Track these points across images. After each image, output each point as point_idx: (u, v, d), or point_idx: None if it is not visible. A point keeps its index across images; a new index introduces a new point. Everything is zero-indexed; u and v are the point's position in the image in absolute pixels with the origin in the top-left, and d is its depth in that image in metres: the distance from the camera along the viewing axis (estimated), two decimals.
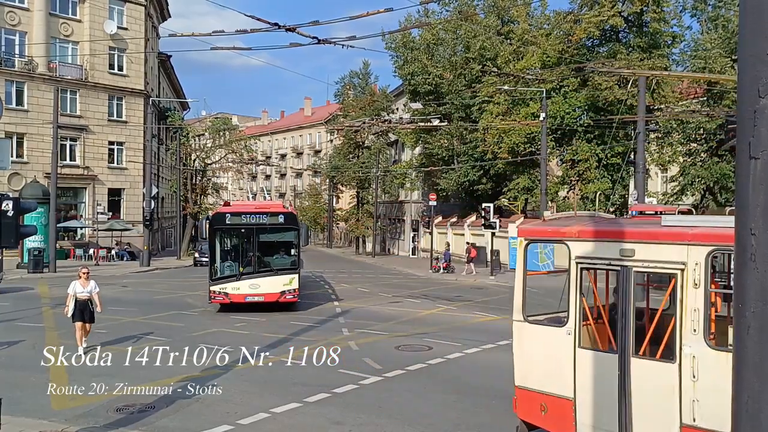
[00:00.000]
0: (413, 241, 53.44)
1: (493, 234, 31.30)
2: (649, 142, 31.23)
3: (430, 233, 41.41)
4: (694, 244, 5.98)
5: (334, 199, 70.34)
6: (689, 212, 7.62)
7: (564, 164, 37.02)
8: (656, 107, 31.13)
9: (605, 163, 34.15)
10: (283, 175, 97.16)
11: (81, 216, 41.69)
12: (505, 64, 36.54)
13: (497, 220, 31.34)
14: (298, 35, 11.52)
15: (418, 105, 41.32)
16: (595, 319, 7.39)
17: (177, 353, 13.17)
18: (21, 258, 32.54)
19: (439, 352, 13.17)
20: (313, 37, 11.82)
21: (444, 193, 44.04)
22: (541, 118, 31.60)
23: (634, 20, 33.91)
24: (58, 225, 34.15)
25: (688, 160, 34.79)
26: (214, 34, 12.03)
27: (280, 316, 17.97)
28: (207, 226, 19.25)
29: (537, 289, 8.72)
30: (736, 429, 2.70)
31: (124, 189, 43.75)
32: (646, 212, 7.95)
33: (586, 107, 34.35)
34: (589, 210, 35.18)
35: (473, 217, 41.39)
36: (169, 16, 56.11)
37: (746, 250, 2.62)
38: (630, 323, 6.44)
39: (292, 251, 19.90)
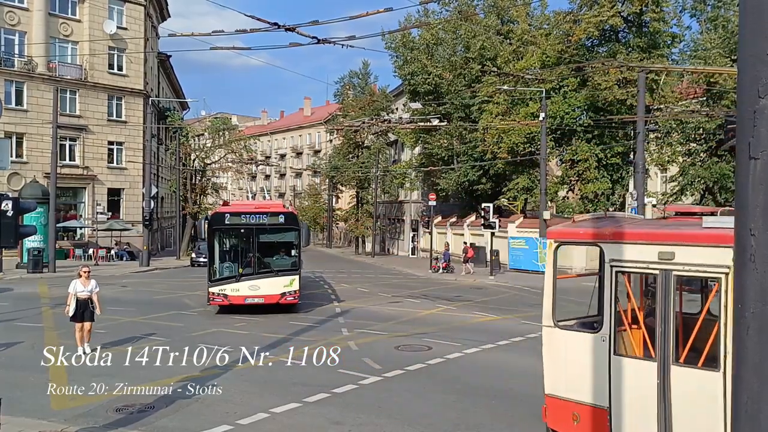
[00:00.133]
0: (413, 241, 53.45)
1: (492, 234, 31.31)
2: (648, 142, 31.24)
3: (430, 233, 41.40)
4: None
5: (334, 199, 70.35)
6: (730, 213, 7.34)
7: (563, 164, 37.03)
8: (656, 107, 31.12)
9: (605, 163, 34.18)
10: (282, 175, 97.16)
11: (80, 216, 41.68)
12: (504, 64, 36.55)
13: (497, 220, 31.36)
14: (298, 35, 11.52)
15: (417, 105, 41.32)
16: (630, 324, 7.05)
17: (176, 353, 13.16)
18: (20, 258, 32.54)
19: (438, 352, 13.17)
20: (313, 37, 11.82)
21: (443, 193, 44.04)
22: (540, 118, 31.61)
23: (634, 20, 33.92)
24: (57, 225, 34.13)
25: (688, 160, 34.80)
26: (213, 33, 12.04)
27: (280, 316, 17.97)
28: (206, 226, 18.96)
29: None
30: (736, 429, 2.70)
31: (123, 189, 43.74)
32: (684, 213, 7.63)
33: (585, 107, 34.37)
34: (589, 210, 35.13)
35: (473, 217, 41.40)
36: (169, 16, 56.12)
37: (746, 251, 2.62)
38: (670, 329, 6.20)
39: (293, 252, 19.60)
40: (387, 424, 8.66)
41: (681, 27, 35.62)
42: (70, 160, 40.73)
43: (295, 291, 18.56)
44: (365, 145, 58.54)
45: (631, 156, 27.25)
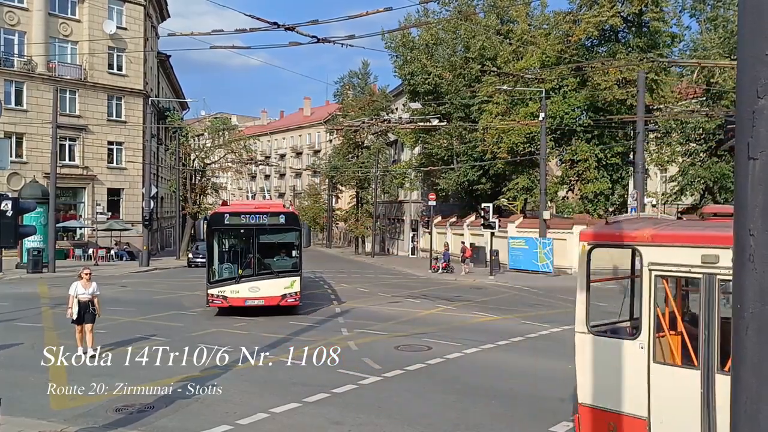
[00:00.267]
0: (412, 241, 53.45)
1: (492, 234, 31.29)
2: (648, 142, 31.26)
3: (430, 233, 41.39)
4: None
5: (334, 199, 70.35)
6: None
7: (563, 164, 37.04)
8: (655, 107, 31.14)
9: (605, 163, 34.18)
10: (282, 175, 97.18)
11: (80, 216, 41.68)
12: (504, 64, 36.55)
13: (496, 220, 31.34)
14: (298, 34, 11.52)
15: (417, 105, 41.33)
16: (670, 330, 6.77)
17: (176, 353, 13.17)
18: (20, 258, 32.55)
19: (438, 352, 13.17)
20: (313, 36, 11.81)
21: (443, 193, 44.03)
22: (540, 118, 31.62)
23: (634, 20, 33.92)
24: (57, 225, 34.13)
25: (688, 160, 34.82)
26: (213, 33, 12.03)
27: (280, 316, 17.94)
28: (205, 226, 18.62)
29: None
30: (734, 430, 2.70)
31: (123, 189, 43.74)
32: (722, 214, 7.21)
33: (585, 107, 34.37)
34: (588, 210, 35.05)
35: (472, 217, 41.40)
36: (168, 16, 56.12)
37: (745, 251, 2.62)
38: (715, 336, 5.92)
39: (294, 253, 19.26)
40: (387, 424, 8.66)
41: (681, 27, 35.66)
42: (69, 160, 40.73)
43: (296, 293, 18.23)
44: (365, 145, 58.54)
45: (631, 156, 27.25)
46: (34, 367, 11.81)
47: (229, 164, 52.93)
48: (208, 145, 53.19)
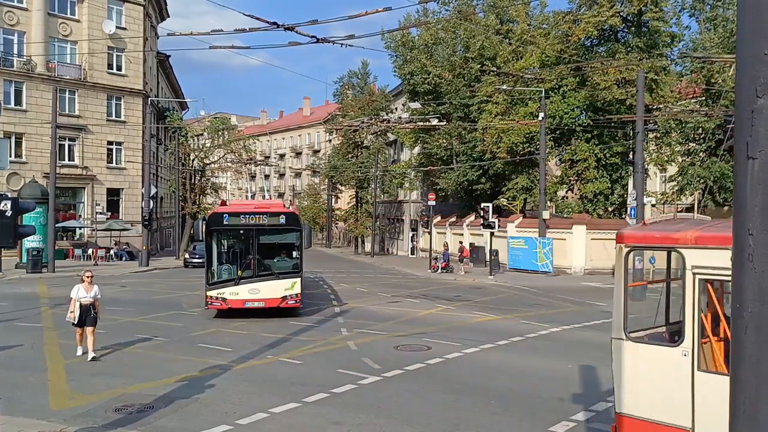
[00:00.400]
0: (412, 241, 53.46)
1: (491, 234, 31.30)
2: (647, 142, 31.26)
3: (429, 233, 41.40)
4: None
5: (333, 199, 70.36)
6: None
7: (563, 164, 37.05)
8: (655, 107, 31.15)
9: (604, 162, 34.20)
10: (281, 175, 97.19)
11: (80, 216, 41.67)
12: (504, 64, 36.56)
13: (496, 220, 31.34)
14: (297, 34, 11.51)
15: (417, 105, 41.32)
16: (714, 336, 6.48)
17: (176, 353, 13.19)
18: (20, 258, 32.55)
19: (437, 352, 13.17)
20: (312, 36, 11.81)
21: (443, 193, 44.04)
22: (539, 118, 31.63)
23: (633, 20, 33.93)
24: (56, 225, 34.11)
25: (687, 159, 34.82)
26: (212, 33, 12.01)
27: (279, 316, 17.93)
28: (203, 227, 18.15)
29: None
30: (734, 430, 2.70)
31: (122, 189, 43.73)
32: None
33: (584, 107, 34.38)
34: (588, 210, 34.91)
35: (472, 217, 41.41)
36: (168, 16, 56.09)
37: (744, 250, 2.62)
38: None
39: (294, 254, 18.80)
40: (386, 424, 8.65)
41: (680, 27, 35.66)
42: (69, 160, 40.72)
43: (296, 294, 17.84)
44: (364, 144, 58.54)
45: (631, 156, 27.25)
46: (33, 367, 11.81)
47: (229, 164, 52.95)
48: (208, 145, 53.17)
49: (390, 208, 59.26)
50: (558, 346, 14.23)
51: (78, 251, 39.52)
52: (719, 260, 5.95)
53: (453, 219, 44.60)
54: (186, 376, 11.13)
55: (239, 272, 17.79)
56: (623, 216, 33.68)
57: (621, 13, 33.27)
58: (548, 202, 34.91)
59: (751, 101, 2.61)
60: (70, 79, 40.53)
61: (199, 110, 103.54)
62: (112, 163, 43.18)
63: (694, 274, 6.15)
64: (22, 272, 30.22)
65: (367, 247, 57.11)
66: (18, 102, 38.45)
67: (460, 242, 36.32)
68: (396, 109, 53.74)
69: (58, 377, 11.18)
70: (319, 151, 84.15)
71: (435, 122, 39.27)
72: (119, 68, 43.37)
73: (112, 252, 39.94)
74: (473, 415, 9.12)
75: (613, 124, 32.59)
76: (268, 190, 57.22)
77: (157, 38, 53.75)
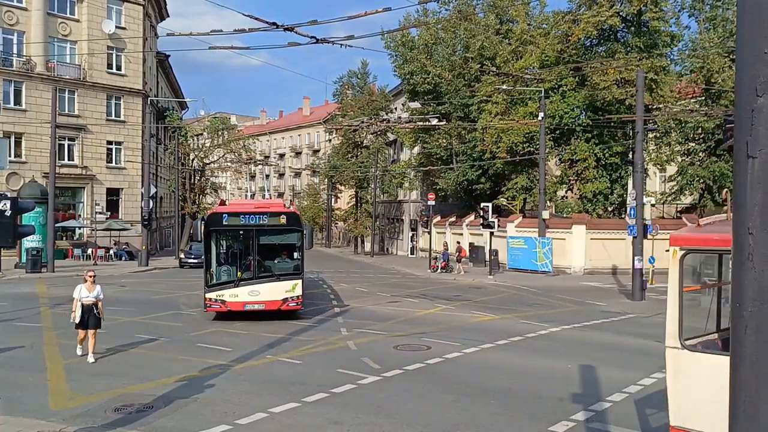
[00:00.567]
0: (412, 241, 53.46)
1: (491, 233, 31.30)
2: (647, 142, 31.27)
3: (429, 233, 41.40)
4: None
5: (333, 199, 70.36)
6: None
7: (562, 164, 37.05)
8: (655, 107, 31.15)
9: (604, 162, 34.20)
10: (281, 175, 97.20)
11: (79, 216, 41.66)
12: (503, 64, 36.56)
13: (496, 220, 31.34)
14: (297, 35, 11.50)
15: (416, 104, 41.31)
16: None
17: (175, 353, 13.19)
18: (19, 258, 32.54)
19: (437, 352, 13.17)
20: (312, 37, 11.80)
21: (443, 193, 44.02)
22: (539, 118, 31.63)
23: (633, 20, 33.93)
24: (56, 225, 34.09)
25: (687, 159, 34.86)
26: (212, 33, 12.00)
27: (279, 319, 17.89)
28: (202, 227, 17.71)
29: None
30: (733, 429, 2.70)
31: (122, 189, 43.72)
32: None
33: (584, 107, 34.38)
34: (588, 210, 34.79)
35: (472, 217, 41.41)
36: (168, 16, 56.08)
37: (744, 250, 2.62)
38: None
39: (295, 255, 18.30)
40: (386, 424, 8.65)
41: (679, 26, 35.63)
42: (69, 159, 40.71)
43: (298, 296, 17.40)
44: (364, 144, 58.54)
45: (630, 155, 27.21)
46: (33, 367, 11.80)
47: (228, 164, 52.96)
48: (208, 144, 53.21)
49: (390, 207, 59.27)
50: (557, 346, 14.24)
51: (77, 251, 39.50)
52: None
53: (453, 219, 44.61)
54: (185, 376, 11.13)
55: (239, 274, 17.37)
56: (623, 216, 33.69)
57: (621, 13, 33.26)
58: (548, 201, 34.90)
59: (751, 100, 2.60)
60: (69, 79, 40.52)
61: (198, 110, 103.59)
62: (111, 162, 43.16)
63: None
64: (21, 272, 30.21)
65: (367, 246, 57.11)
66: (17, 102, 38.44)
67: (458, 242, 36.34)
68: (396, 108, 53.74)
69: (58, 377, 11.17)
70: (318, 150, 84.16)
71: (435, 122, 39.25)
72: (119, 68, 43.36)
73: (111, 252, 39.93)
74: (473, 414, 9.11)
75: (612, 123, 32.59)
76: (267, 190, 57.17)
77: (157, 38, 53.75)
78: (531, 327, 16.56)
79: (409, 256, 51.85)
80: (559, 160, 37.39)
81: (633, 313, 19.57)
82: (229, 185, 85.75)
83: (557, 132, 34.74)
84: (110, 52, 42.75)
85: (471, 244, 38.91)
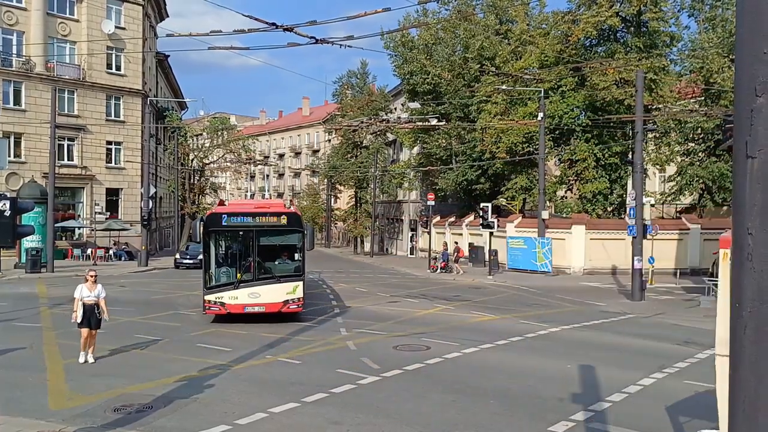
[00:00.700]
0: (411, 241, 53.45)
1: (491, 234, 31.30)
2: (646, 142, 31.28)
3: (428, 233, 41.39)
4: None
5: (333, 199, 70.37)
6: None
7: (562, 164, 37.07)
8: (654, 107, 31.17)
9: (603, 162, 34.22)
10: (281, 175, 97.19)
11: (79, 216, 41.65)
12: (503, 64, 36.58)
13: (495, 220, 31.33)
14: (296, 35, 11.51)
15: (416, 104, 41.31)
16: None
17: (175, 353, 13.18)
18: (19, 258, 32.53)
19: (437, 352, 13.17)
20: (311, 37, 11.80)
21: (442, 193, 44.04)
22: (539, 118, 31.63)
23: (632, 20, 33.95)
24: (56, 225, 34.07)
25: (686, 159, 34.87)
26: (211, 33, 12.00)
27: (279, 321, 17.86)
28: (201, 227, 17.34)
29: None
30: (733, 429, 2.70)
31: (122, 189, 43.71)
32: None
33: (584, 107, 34.39)
34: (588, 210, 34.84)
35: (471, 217, 41.41)
36: (167, 16, 56.06)
37: (743, 250, 2.62)
38: None
39: (296, 256, 17.93)
40: (385, 424, 8.65)
41: (679, 27, 35.66)
42: (68, 159, 40.69)
43: (299, 299, 17.07)
44: (364, 144, 58.53)
45: (630, 156, 27.23)
46: (32, 367, 11.79)
47: (228, 164, 52.96)
48: (207, 144, 53.20)
49: (389, 208, 59.26)
50: (557, 346, 14.24)
51: (77, 251, 39.49)
52: None
53: (452, 219, 44.62)
54: (185, 376, 11.12)
55: (239, 275, 17.01)
56: (622, 216, 33.71)
57: (620, 14, 33.28)
58: (547, 202, 34.90)
59: (750, 100, 2.60)
60: (69, 79, 40.51)
61: (198, 110, 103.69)
62: (111, 162, 43.15)
63: None
64: (21, 272, 30.19)
65: (366, 247, 57.11)
66: (17, 102, 38.43)
67: (455, 243, 36.35)
68: (395, 108, 53.72)
69: (57, 377, 11.17)
70: (318, 151, 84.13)
71: (434, 122, 39.25)
72: (118, 68, 43.34)
73: (111, 252, 39.92)
74: (472, 414, 9.11)
75: (612, 124, 32.61)
76: (267, 190, 57.21)
77: (156, 38, 53.76)
78: (530, 327, 16.56)
79: (409, 256, 51.84)
80: (559, 160, 37.41)
81: (632, 314, 19.58)
82: (229, 185, 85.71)
83: (557, 132, 34.75)
84: (110, 52, 42.74)
85: (470, 244, 38.90)
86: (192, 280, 27.03)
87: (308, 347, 13.85)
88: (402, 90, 48.74)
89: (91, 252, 38.33)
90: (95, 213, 39.45)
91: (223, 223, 17.29)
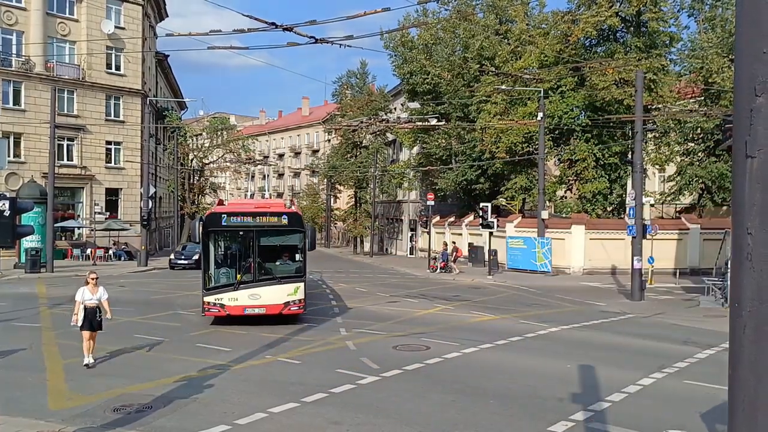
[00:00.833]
0: (411, 241, 53.46)
1: (490, 234, 31.31)
2: (646, 142, 31.28)
3: (428, 233, 41.39)
4: None
5: (332, 199, 70.37)
6: None
7: (562, 164, 37.08)
8: (654, 107, 31.17)
9: (603, 162, 34.23)
10: (280, 175, 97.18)
11: (78, 216, 41.66)
12: (503, 64, 36.56)
13: (495, 220, 31.34)
14: (296, 35, 11.51)
15: (416, 104, 41.30)
16: None
17: (174, 353, 13.18)
18: (18, 258, 32.53)
19: (436, 352, 13.16)
20: (311, 37, 11.80)
21: (442, 193, 44.04)
22: (538, 118, 31.63)
23: (632, 20, 33.96)
24: (55, 225, 34.07)
25: (686, 159, 34.88)
26: (211, 33, 12.00)
27: (280, 323, 17.81)
28: (200, 228, 16.98)
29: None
30: (732, 429, 2.70)
31: (121, 189, 43.70)
32: None
33: (583, 107, 34.40)
34: (587, 210, 34.86)
35: (471, 217, 41.41)
36: (167, 16, 56.06)
37: (743, 249, 2.62)
38: None
39: (297, 256, 17.63)
40: (385, 424, 8.65)
41: (679, 27, 35.68)
42: (68, 159, 40.69)
43: (300, 300, 16.75)
44: (363, 144, 58.53)
45: (629, 155, 27.25)
46: (32, 367, 11.79)
47: (228, 164, 52.97)
48: (207, 144, 53.19)
49: (389, 208, 59.27)
50: (557, 346, 14.24)
51: (77, 251, 39.49)
52: None
53: (452, 219, 44.63)
54: (185, 376, 11.12)
55: (238, 276, 16.70)
56: (622, 216, 33.71)
57: (620, 14, 33.29)
58: (547, 201, 34.90)
59: (749, 100, 2.61)
60: (68, 79, 40.50)
61: (198, 110, 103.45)
62: (110, 162, 43.15)
63: None
64: (20, 272, 30.19)
65: (366, 247, 57.10)
66: (16, 102, 38.44)
67: (453, 242, 36.33)
68: (395, 108, 53.72)
69: (57, 377, 11.16)
70: (317, 150, 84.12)
71: (434, 122, 39.24)
72: (118, 68, 43.34)
73: (110, 252, 39.93)
74: (472, 414, 9.11)
75: (611, 124, 32.61)
76: (267, 190, 57.18)
77: (156, 38, 53.75)
78: (530, 327, 16.56)
79: (408, 256, 51.85)
80: (558, 160, 37.41)
81: (632, 313, 19.58)
82: (228, 185, 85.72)
83: (556, 132, 34.76)
84: (109, 52, 42.74)
85: (470, 244, 38.90)
86: (191, 279, 26.99)
87: (308, 347, 13.84)
88: (402, 90, 48.73)
89: (91, 252, 38.32)
90: (95, 213, 39.44)
91: (223, 223, 16.95)
